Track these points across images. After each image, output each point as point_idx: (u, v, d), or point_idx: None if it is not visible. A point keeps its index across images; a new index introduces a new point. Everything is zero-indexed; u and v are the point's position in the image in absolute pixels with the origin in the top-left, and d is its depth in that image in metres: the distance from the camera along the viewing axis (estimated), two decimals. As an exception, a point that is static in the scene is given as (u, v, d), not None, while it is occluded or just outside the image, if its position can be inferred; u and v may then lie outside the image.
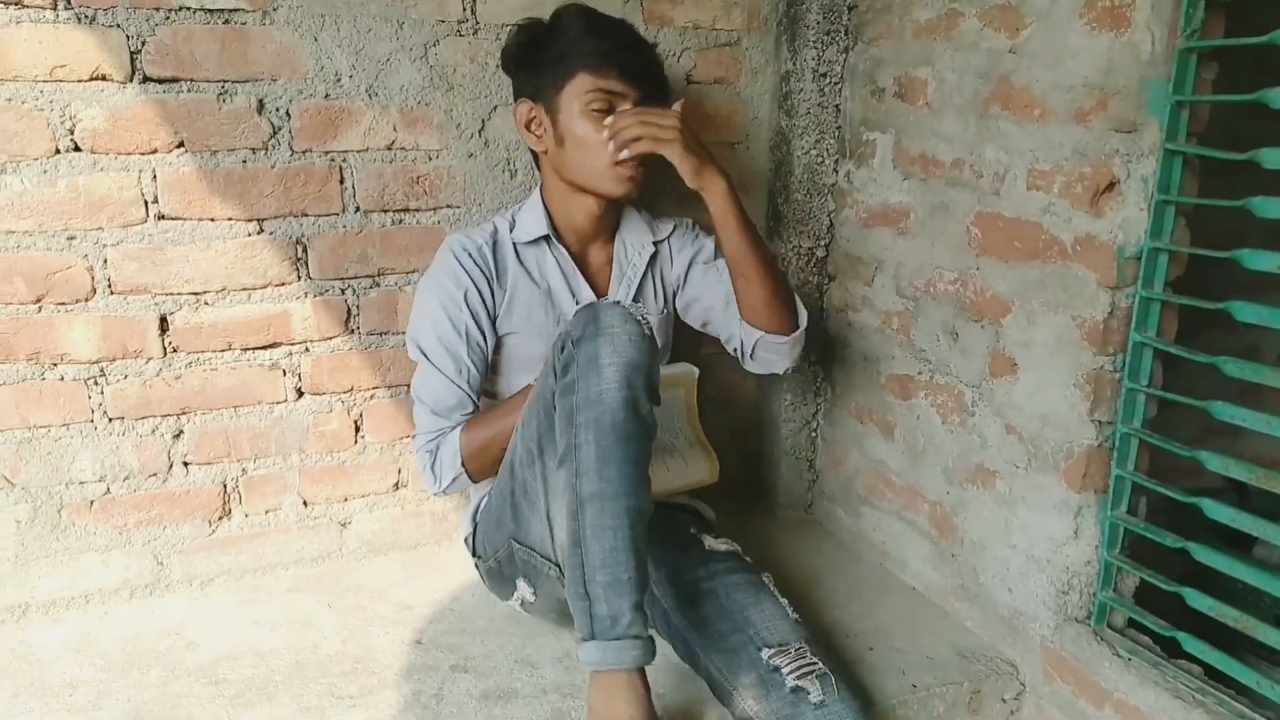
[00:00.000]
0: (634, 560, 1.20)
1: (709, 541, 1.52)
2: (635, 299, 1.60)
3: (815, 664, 1.25)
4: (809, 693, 1.22)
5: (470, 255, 1.50)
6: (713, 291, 1.62)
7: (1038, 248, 1.39)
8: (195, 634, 1.55)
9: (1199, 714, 1.23)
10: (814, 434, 1.97)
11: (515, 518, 1.41)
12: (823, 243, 1.86)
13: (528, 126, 1.50)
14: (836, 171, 1.83)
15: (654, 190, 1.72)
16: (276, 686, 1.42)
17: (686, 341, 1.94)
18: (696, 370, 1.55)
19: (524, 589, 1.47)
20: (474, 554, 1.58)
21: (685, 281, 1.66)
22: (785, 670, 1.24)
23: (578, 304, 1.55)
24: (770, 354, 1.56)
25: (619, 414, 1.20)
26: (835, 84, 1.77)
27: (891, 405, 1.75)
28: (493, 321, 1.53)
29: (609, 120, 1.43)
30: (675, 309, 1.69)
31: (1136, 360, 1.31)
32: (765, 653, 1.27)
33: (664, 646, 1.46)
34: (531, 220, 1.54)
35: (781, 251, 1.89)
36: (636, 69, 1.45)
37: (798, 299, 1.57)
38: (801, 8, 1.74)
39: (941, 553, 1.66)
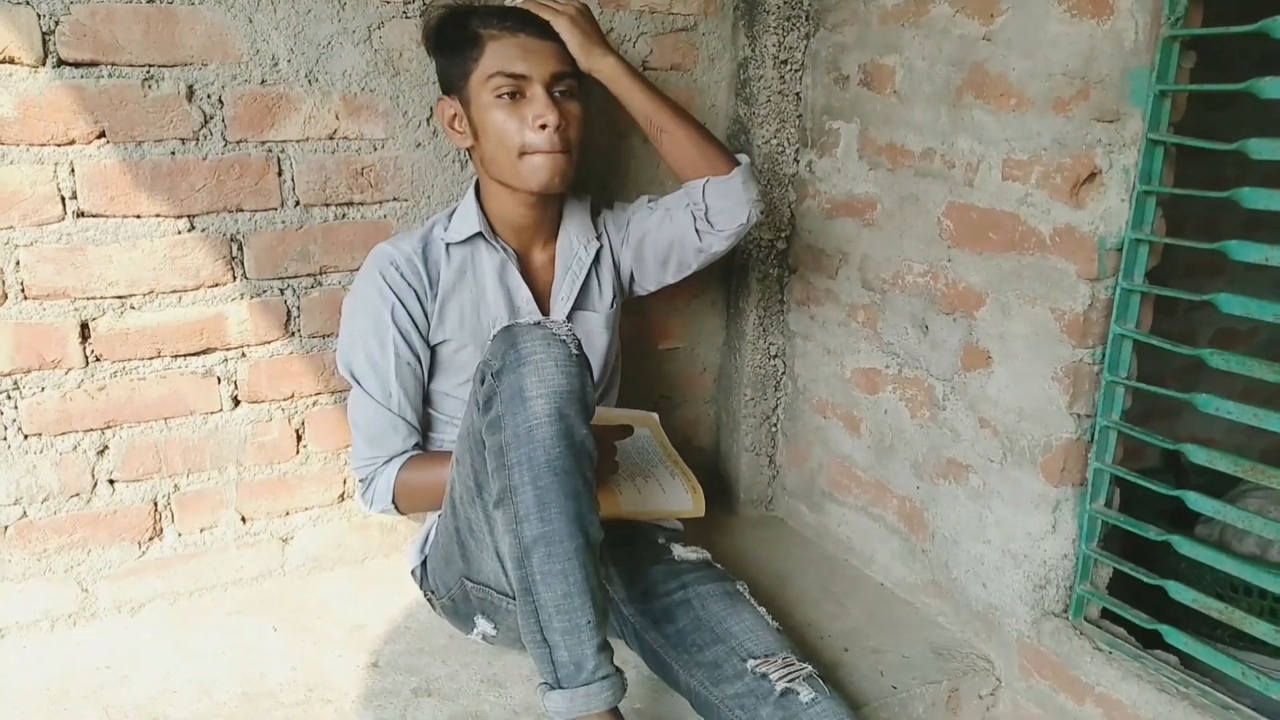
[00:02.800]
0: (590, 601, 1.14)
1: (678, 551, 1.46)
2: (580, 295, 1.52)
3: (803, 667, 1.21)
4: (799, 694, 1.18)
5: (397, 267, 1.40)
6: (655, 214, 1.53)
7: (1014, 239, 1.37)
8: (128, 667, 1.43)
9: (1184, 706, 1.22)
10: (774, 429, 1.93)
11: (464, 556, 1.34)
12: (783, 235, 1.81)
13: (451, 125, 1.43)
14: (798, 161, 1.78)
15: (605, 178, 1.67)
16: (225, 721, 1.32)
17: (637, 334, 1.89)
18: (655, 414, 1.56)
19: (484, 624, 1.40)
20: (424, 588, 1.49)
21: (628, 239, 1.56)
22: (773, 676, 1.19)
23: (512, 305, 1.47)
24: (725, 200, 1.43)
25: (554, 448, 1.13)
26: (796, 71, 1.73)
27: (857, 399, 1.72)
28: (424, 335, 1.44)
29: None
30: (632, 280, 1.60)
31: (1116, 352, 1.30)
32: (751, 663, 1.22)
33: (636, 659, 1.41)
34: (463, 219, 1.45)
35: (741, 245, 1.83)
36: (539, 46, 1.36)
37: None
38: (760, -8, 1.69)
39: (911, 548, 1.64)
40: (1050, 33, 1.27)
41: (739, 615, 1.33)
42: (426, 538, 1.48)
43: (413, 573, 1.51)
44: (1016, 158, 1.35)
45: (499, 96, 1.34)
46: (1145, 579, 1.29)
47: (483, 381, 1.18)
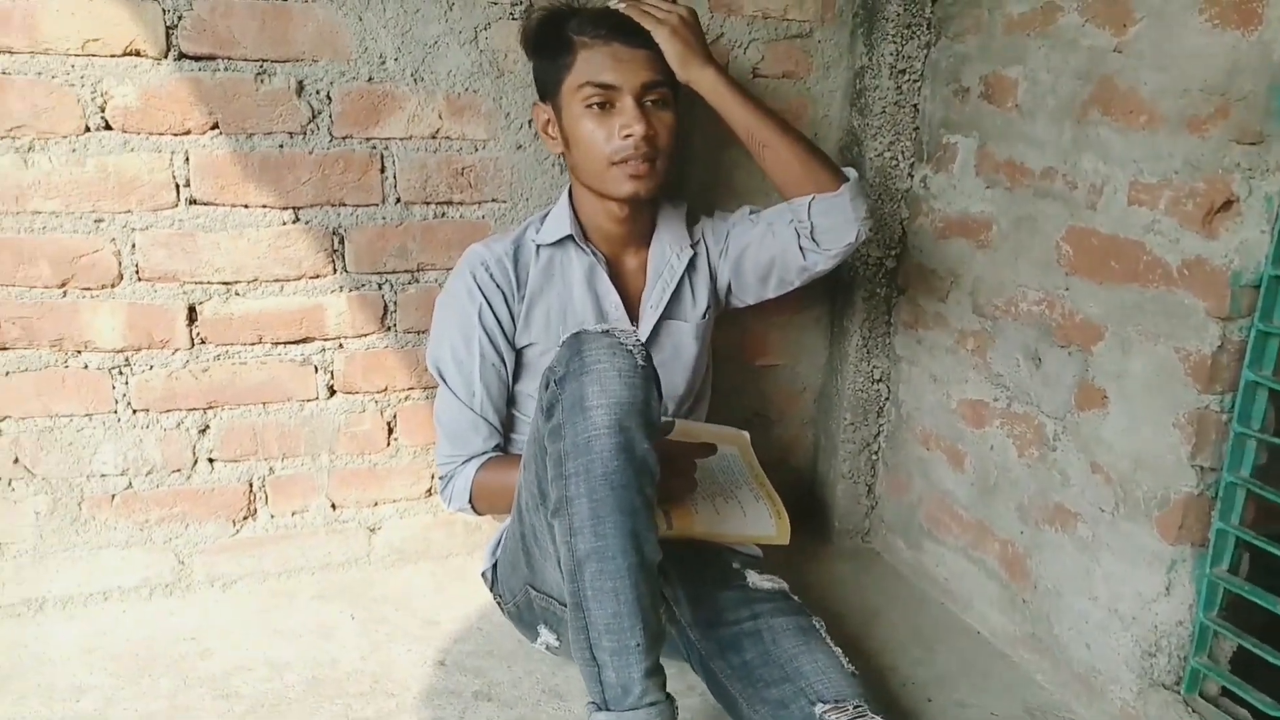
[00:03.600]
0: (641, 623, 1.10)
1: (753, 578, 1.40)
2: (671, 304, 1.48)
3: None
4: None
5: (487, 268, 1.41)
6: (756, 228, 1.48)
7: (1138, 269, 1.25)
8: (212, 640, 1.48)
9: (1307, 807, 1.08)
10: (874, 457, 1.84)
11: (529, 563, 1.32)
12: (893, 253, 1.72)
13: (545, 130, 1.43)
14: (911, 176, 1.69)
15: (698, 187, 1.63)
16: (289, 704, 1.34)
17: (734, 349, 1.84)
18: (746, 433, 1.50)
19: (546, 635, 1.38)
20: (494, 592, 1.48)
21: (727, 250, 1.52)
22: None
23: (600, 310, 1.44)
24: (832, 218, 1.38)
25: (611, 461, 1.09)
26: (914, 82, 1.64)
27: (962, 432, 1.61)
28: (509, 337, 1.43)
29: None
30: (729, 293, 1.55)
31: (1248, 401, 1.16)
32: (819, 708, 1.15)
33: (702, 685, 1.36)
34: (556, 221, 1.44)
35: (847, 261, 1.75)
36: (631, 55, 1.33)
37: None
38: (881, -1, 1.61)
39: (1011, 597, 1.52)
40: (1188, 45, 1.15)
41: (811, 654, 1.25)
42: (499, 541, 1.47)
43: (483, 575, 1.50)
44: (1144, 180, 1.23)
45: (589, 106, 1.33)
46: (1271, 659, 1.15)
47: (547, 387, 1.16)
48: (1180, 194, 1.18)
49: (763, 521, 1.40)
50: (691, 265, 1.50)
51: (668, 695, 1.13)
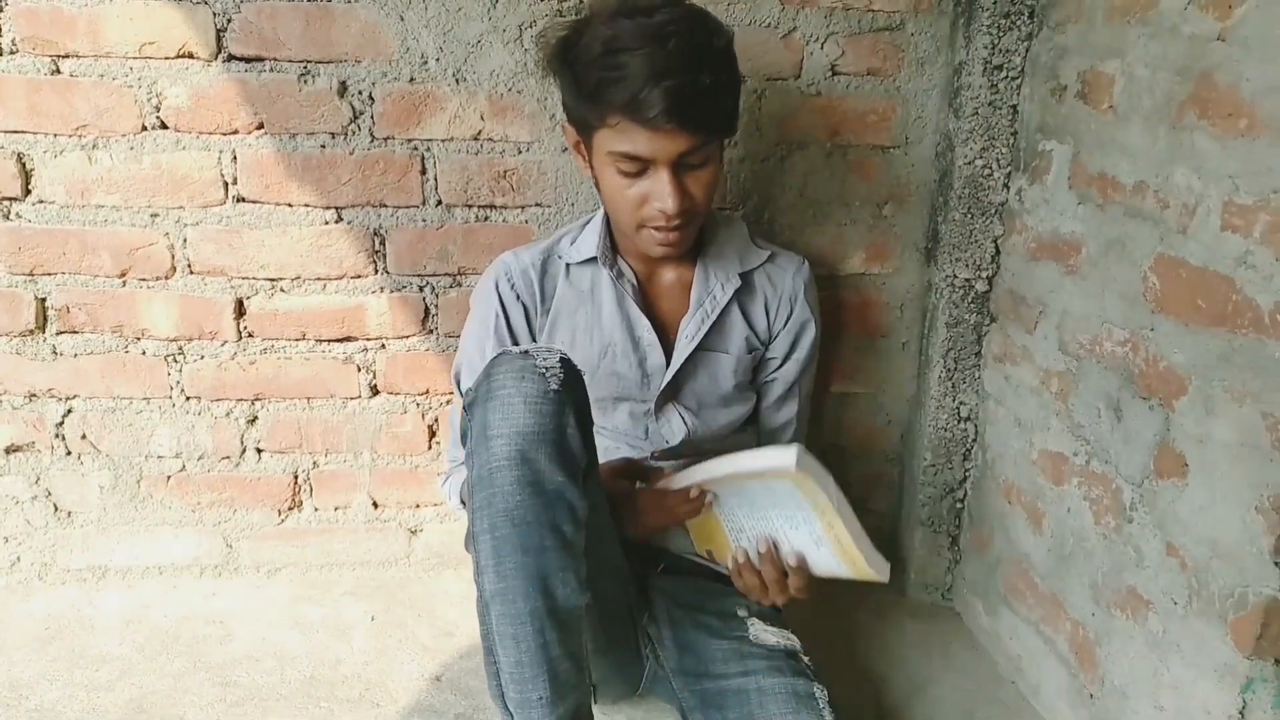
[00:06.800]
0: (545, 674, 1.00)
1: (756, 630, 1.25)
2: (710, 334, 1.33)
3: None
4: None
5: (510, 278, 1.33)
6: (774, 383, 1.41)
7: (1225, 310, 1.00)
8: (236, 625, 1.52)
9: None
10: (959, 505, 1.62)
11: None
12: (984, 275, 1.51)
13: (576, 149, 1.26)
14: (1007, 188, 1.47)
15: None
16: (277, 700, 1.35)
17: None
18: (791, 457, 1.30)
19: None
20: None
21: (774, 342, 1.38)
22: None
23: (631, 335, 1.33)
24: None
25: (512, 497, 0.99)
26: (1013, 79, 1.42)
27: (1042, 488, 1.38)
28: None
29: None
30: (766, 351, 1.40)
31: (1353, 488, 0.90)
32: None
33: None
34: (588, 238, 1.33)
35: (934, 281, 1.56)
36: (664, 134, 1.11)
37: None
38: (978, -16, 1.41)
39: (1079, 688, 1.28)
40: (1291, 28, 0.90)
41: None
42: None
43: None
44: (1239, 201, 0.98)
45: (620, 172, 1.18)
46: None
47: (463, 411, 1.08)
48: (1278, 219, 0.93)
49: (830, 564, 1.20)
50: (744, 295, 1.36)
51: None
